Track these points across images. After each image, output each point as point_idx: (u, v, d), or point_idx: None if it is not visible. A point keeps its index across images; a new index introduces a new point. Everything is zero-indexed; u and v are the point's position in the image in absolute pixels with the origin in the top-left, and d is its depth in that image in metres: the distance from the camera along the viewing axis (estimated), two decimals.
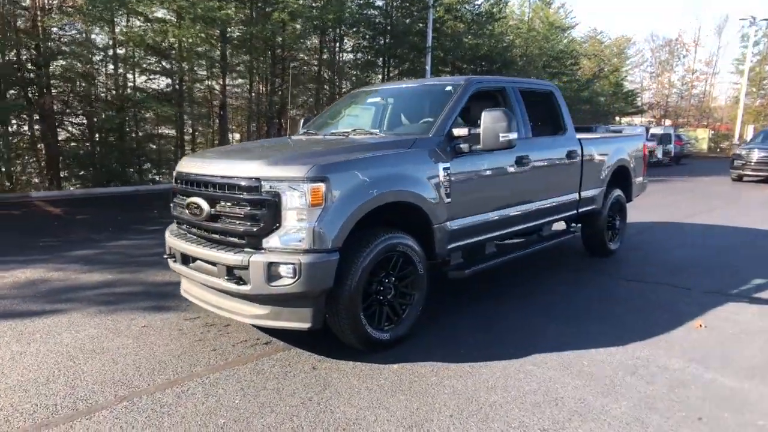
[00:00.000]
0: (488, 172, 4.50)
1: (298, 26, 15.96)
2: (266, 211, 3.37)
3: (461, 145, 4.16)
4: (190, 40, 13.36)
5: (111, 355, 3.71)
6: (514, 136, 4.06)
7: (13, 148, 14.21)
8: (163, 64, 15.34)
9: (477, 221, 4.43)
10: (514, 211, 4.84)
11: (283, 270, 3.32)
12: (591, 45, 38.05)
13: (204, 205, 3.67)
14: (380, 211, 3.64)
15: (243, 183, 3.47)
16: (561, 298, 4.94)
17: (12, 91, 13.66)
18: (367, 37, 19.84)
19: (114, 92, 15.04)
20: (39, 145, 14.72)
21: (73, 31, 13.85)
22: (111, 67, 14.93)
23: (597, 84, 32.84)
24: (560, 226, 6.24)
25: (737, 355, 3.69)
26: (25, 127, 14.38)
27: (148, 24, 14.05)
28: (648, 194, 13.51)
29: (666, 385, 3.25)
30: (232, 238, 3.58)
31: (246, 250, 3.46)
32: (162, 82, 15.57)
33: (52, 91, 13.91)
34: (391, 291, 3.77)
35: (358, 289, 3.49)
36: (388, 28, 20.11)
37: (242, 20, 15.19)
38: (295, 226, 3.34)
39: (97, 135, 14.88)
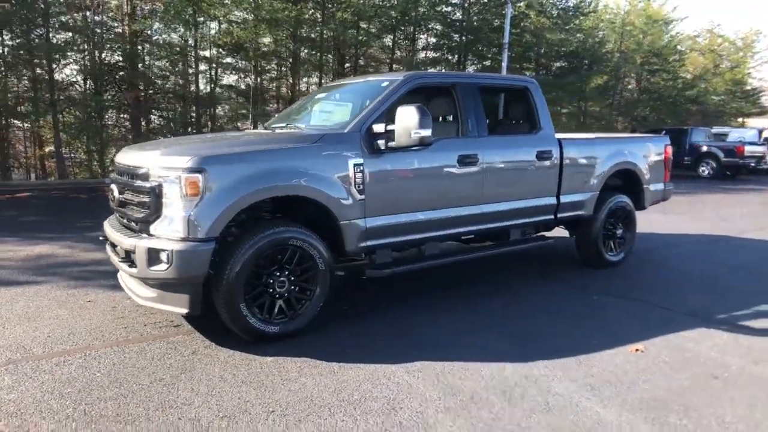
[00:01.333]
0: (418, 171, 4.34)
1: (363, 25, 16.24)
2: (152, 200, 3.53)
3: (378, 142, 4.06)
4: (260, 40, 14.08)
5: (39, 323, 4.08)
6: (426, 133, 3.88)
7: (107, 139, 15.89)
8: (239, 62, 16.30)
9: (403, 221, 4.29)
10: (458, 213, 4.62)
11: (161, 256, 3.46)
12: (709, 40, 34.58)
13: (116, 192, 3.92)
14: (281, 203, 3.66)
15: (138, 172, 3.67)
16: (503, 309, 4.62)
17: (107, 88, 15.26)
18: (441, 33, 19.63)
19: (193, 88, 16.24)
20: (129, 137, 16.30)
21: (156, 36, 15.11)
22: (186, 65, 16.10)
23: (707, 82, 29.82)
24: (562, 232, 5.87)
25: (642, 386, 3.26)
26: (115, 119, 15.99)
27: (228, 25, 14.98)
28: (715, 203, 12.21)
29: (527, 409, 2.97)
30: (132, 224, 3.79)
31: (140, 235, 3.65)
32: (234, 79, 16.56)
33: (140, 87, 15.33)
34: (285, 285, 3.78)
35: (238, 280, 3.54)
36: (464, 24, 19.76)
37: (310, 20, 15.69)
38: (174, 215, 3.47)
39: (173, 127, 16.14)
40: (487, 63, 21.20)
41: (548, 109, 5.36)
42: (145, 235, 3.60)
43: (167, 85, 15.40)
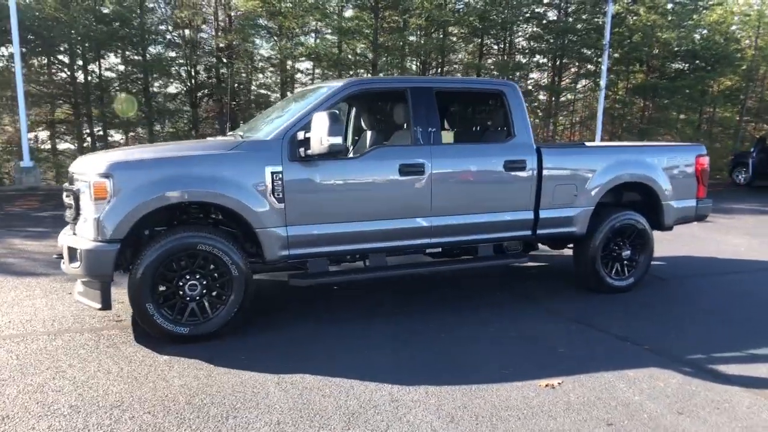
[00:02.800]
0: (349, 180, 4.25)
1: (452, 30, 16.08)
2: (74, 202, 3.87)
3: (300, 150, 4.04)
4: (341, 50, 14.57)
5: (12, 310, 4.63)
6: (335, 140, 3.80)
7: None
8: (325, 72, 16.95)
9: (332, 231, 4.23)
10: (402, 225, 4.45)
11: (76, 254, 3.78)
12: None
13: (65, 195, 4.33)
14: (204, 208, 3.85)
15: (71, 177, 4.03)
16: (437, 330, 4.32)
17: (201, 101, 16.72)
18: (535, 36, 18.79)
19: (278, 95, 17.21)
20: None
21: (243, 47, 16.23)
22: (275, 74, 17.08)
23: None
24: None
25: (509, 425, 2.90)
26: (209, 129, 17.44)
27: (306, 36, 15.72)
28: None
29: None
30: (70, 224, 4.17)
31: (71, 234, 4.01)
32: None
33: (225, 99, 16.58)
34: (197, 288, 3.91)
35: (143, 281, 3.74)
36: (561, 24, 18.72)
37: (388, 28, 15.87)
38: (87, 217, 3.77)
39: None
40: (591, 66, 19.92)
41: (527, 116, 4.94)
42: (72, 234, 3.94)
43: (252, 97, 16.49)
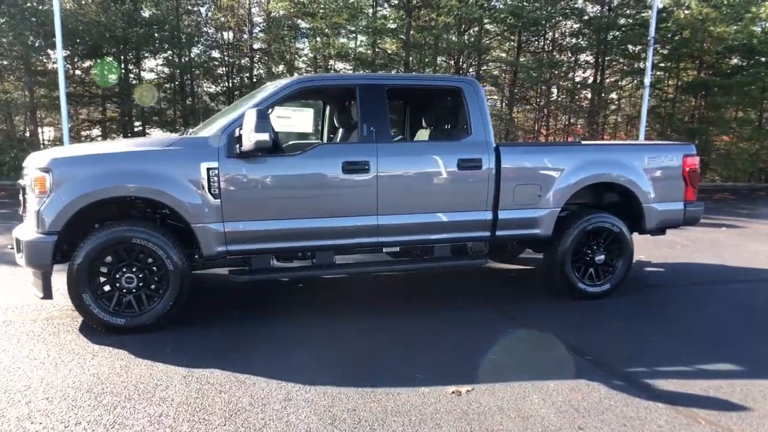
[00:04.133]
0: (287, 177, 4.25)
1: (489, 26, 15.75)
2: (22, 195, 4.07)
3: (236, 147, 4.08)
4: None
5: None
6: (261, 137, 3.82)
7: None
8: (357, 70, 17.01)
9: (272, 228, 4.25)
10: (346, 223, 4.41)
11: (20, 245, 3.98)
12: None
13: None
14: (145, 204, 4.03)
15: (22, 172, 4.23)
16: (378, 329, 4.27)
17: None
18: (574, 32, 18.13)
19: None
20: None
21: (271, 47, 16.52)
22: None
23: None
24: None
25: (382, 422, 2.81)
26: None
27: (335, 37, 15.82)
28: None
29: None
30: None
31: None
32: None
33: None
34: (134, 281, 4.03)
35: (80, 271, 3.90)
36: (603, 19, 17.95)
37: (419, 26, 15.70)
38: (30, 209, 3.95)
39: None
40: (637, 64, 19.00)
41: (487, 113, 4.77)
42: (22, 226, 4.15)
43: None
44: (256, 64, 16.56)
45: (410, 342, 4.04)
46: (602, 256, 5.12)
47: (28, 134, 16.02)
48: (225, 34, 16.58)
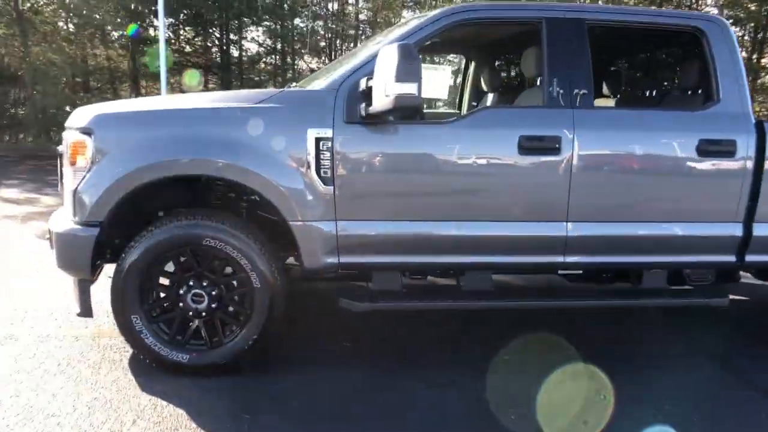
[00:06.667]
0: (437, 157, 2.76)
1: None
2: (60, 168, 2.89)
3: (360, 107, 2.64)
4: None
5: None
6: (406, 89, 2.34)
7: None
8: None
9: (405, 231, 2.80)
10: (515, 232, 2.86)
11: (52, 237, 2.80)
12: None
13: None
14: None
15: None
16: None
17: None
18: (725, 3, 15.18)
19: None
20: None
21: None
22: None
23: None
24: None
25: None
26: None
27: None
28: None
29: None
30: None
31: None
32: None
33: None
34: (205, 301, 2.73)
35: (127, 284, 2.66)
36: None
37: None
38: (66, 188, 2.75)
39: None
40: None
41: (743, 71, 3.02)
42: (60, 212, 2.98)
43: None
44: (360, 37, 15.33)
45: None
46: None
47: None
48: (330, 4, 15.46)
